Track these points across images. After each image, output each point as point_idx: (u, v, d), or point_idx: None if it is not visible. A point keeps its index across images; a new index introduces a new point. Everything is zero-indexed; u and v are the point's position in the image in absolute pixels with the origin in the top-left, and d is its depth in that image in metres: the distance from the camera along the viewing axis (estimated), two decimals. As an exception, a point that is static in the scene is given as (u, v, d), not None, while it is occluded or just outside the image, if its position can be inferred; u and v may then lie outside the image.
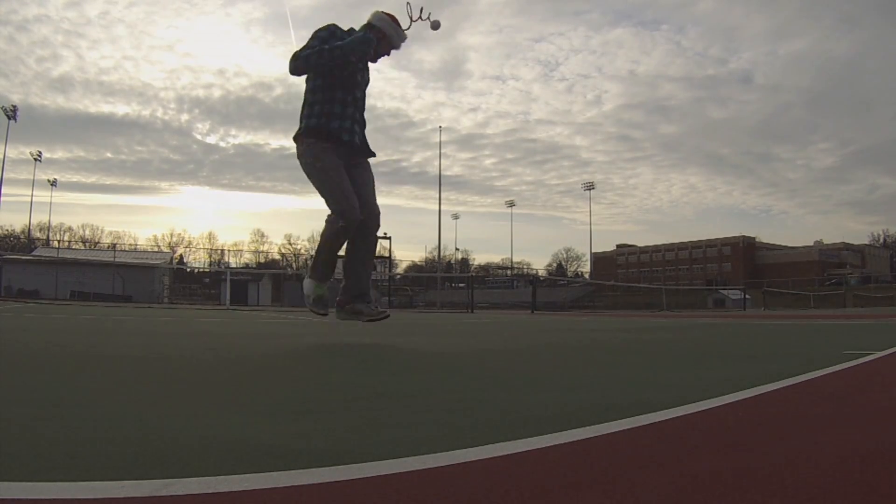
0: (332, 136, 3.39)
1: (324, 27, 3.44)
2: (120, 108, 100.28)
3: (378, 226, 3.59)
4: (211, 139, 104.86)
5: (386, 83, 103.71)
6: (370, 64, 3.68)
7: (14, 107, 42.94)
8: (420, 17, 3.59)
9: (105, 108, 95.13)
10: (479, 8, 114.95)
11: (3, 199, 55.25)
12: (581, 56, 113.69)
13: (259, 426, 1.22)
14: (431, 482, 0.86)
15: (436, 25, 3.62)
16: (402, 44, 3.65)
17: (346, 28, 3.52)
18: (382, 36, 3.52)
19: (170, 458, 0.95)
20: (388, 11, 3.57)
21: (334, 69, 3.40)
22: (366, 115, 3.70)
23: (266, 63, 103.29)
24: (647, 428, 1.24)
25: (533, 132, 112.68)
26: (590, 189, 66.13)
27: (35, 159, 50.13)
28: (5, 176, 41.92)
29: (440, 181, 44.19)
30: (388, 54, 3.65)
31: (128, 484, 0.81)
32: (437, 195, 46.90)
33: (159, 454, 0.97)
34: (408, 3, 3.53)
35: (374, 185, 3.60)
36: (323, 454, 0.99)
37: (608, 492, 0.81)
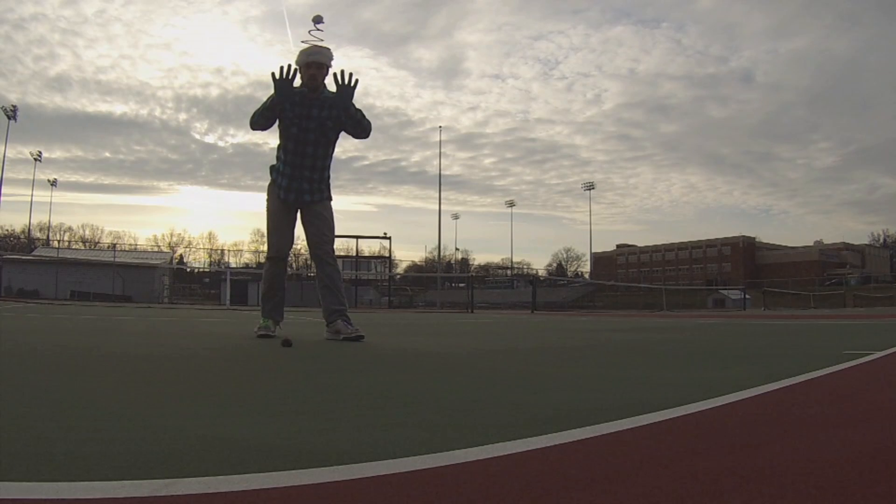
0: (276, 192, 4.01)
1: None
2: (118, 108, 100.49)
3: (327, 254, 3.99)
4: (209, 138, 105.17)
5: (384, 82, 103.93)
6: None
7: (14, 107, 43.01)
8: (313, 30, 3.91)
9: (103, 107, 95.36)
10: (478, 6, 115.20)
11: (3, 199, 55.28)
12: (581, 54, 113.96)
13: (259, 426, 1.22)
14: (431, 482, 0.86)
15: (318, 20, 3.90)
16: (325, 56, 3.89)
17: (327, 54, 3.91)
18: (301, 68, 3.85)
19: (170, 458, 0.95)
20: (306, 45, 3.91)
21: (284, 131, 3.91)
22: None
23: (264, 61, 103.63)
24: (647, 428, 1.24)
25: (532, 131, 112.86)
26: (590, 189, 66.17)
27: (35, 159, 50.19)
28: (5, 176, 41.94)
29: (440, 181, 44.19)
30: (323, 71, 3.88)
31: (128, 484, 0.81)
32: (437, 195, 46.91)
33: (159, 454, 0.97)
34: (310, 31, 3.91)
35: (326, 221, 4.03)
36: (322, 454, 0.99)
37: (608, 492, 0.81)
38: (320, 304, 4.00)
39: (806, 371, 2.24)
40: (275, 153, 4.05)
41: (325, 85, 3.93)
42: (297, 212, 4.03)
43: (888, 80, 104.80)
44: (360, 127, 3.93)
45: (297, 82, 3.85)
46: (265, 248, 4.33)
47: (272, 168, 4.05)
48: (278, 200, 4.00)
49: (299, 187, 3.96)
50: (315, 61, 3.83)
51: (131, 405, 1.45)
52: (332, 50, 3.90)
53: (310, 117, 3.87)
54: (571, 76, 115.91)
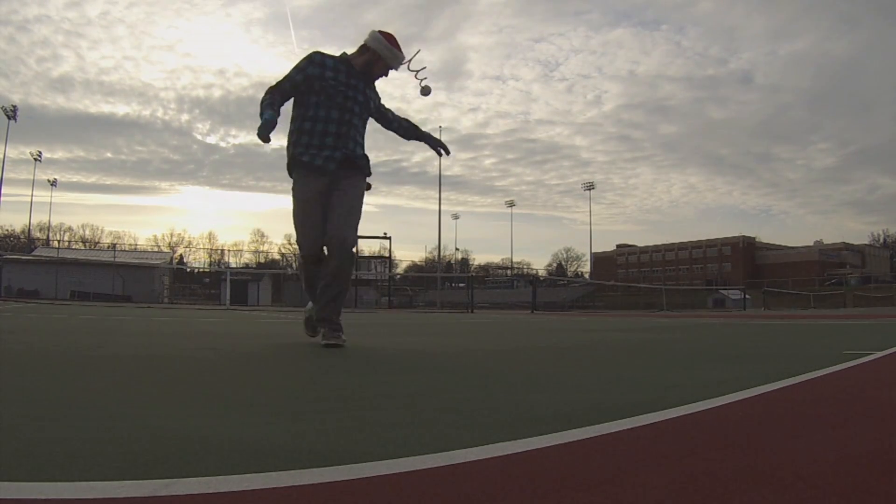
0: (303, 167, 3.43)
1: (305, 57, 3.47)
2: (120, 108, 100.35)
3: (342, 251, 3.38)
4: (211, 139, 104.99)
5: (386, 83, 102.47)
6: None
7: (14, 107, 42.97)
8: (416, 76, 3.63)
9: (105, 108, 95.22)
10: (480, 8, 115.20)
11: (3, 199, 55.30)
12: (581, 56, 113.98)
13: (259, 426, 1.22)
14: (431, 482, 0.86)
15: (426, 91, 3.64)
16: (401, 65, 3.60)
17: (338, 53, 3.54)
18: (377, 57, 3.50)
19: (170, 458, 0.95)
20: (385, 31, 3.54)
21: (311, 94, 3.43)
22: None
23: (266, 63, 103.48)
24: (647, 428, 1.24)
25: (533, 132, 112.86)
26: (590, 189, 66.12)
27: (35, 159, 50.13)
28: (5, 176, 41.96)
29: (440, 181, 44.16)
30: (386, 75, 3.62)
31: (128, 484, 0.81)
32: (437, 195, 46.91)
33: (159, 454, 0.97)
34: (410, 59, 3.57)
35: (350, 207, 3.44)
36: (322, 454, 0.99)
37: (608, 492, 0.81)
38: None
39: (806, 371, 2.24)
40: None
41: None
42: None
43: (887, 82, 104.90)
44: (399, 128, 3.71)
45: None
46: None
47: (289, 145, 3.50)
48: (311, 180, 3.43)
49: (343, 154, 3.45)
50: (396, 68, 3.58)
51: (131, 405, 1.45)
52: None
53: (357, 88, 3.50)
54: (572, 78, 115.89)
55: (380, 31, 3.53)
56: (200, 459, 0.94)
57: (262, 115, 3.29)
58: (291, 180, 3.56)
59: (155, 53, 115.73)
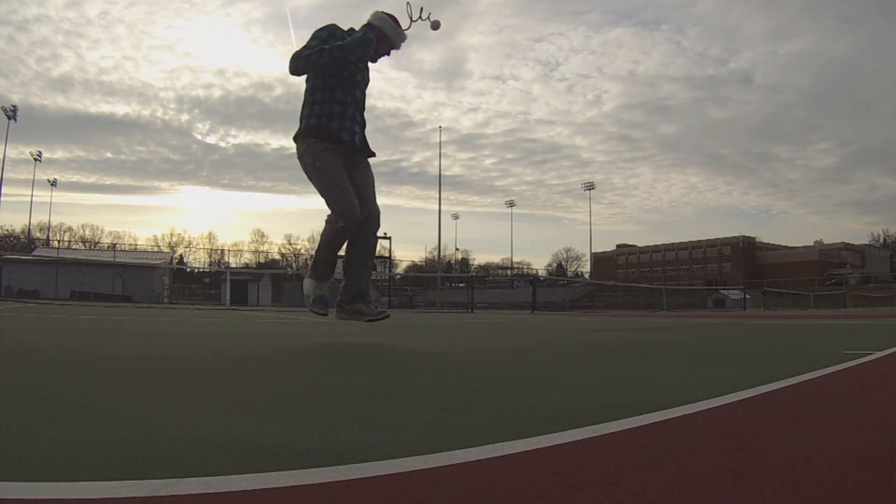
0: (332, 136, 3.40)
1: (323, 27, 3.45)
2: (120, 108, 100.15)
3: (378, 226, 3.62)
4: (211, 139, 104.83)
5: (386, 83, 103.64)
6: (370, 64, 3.70)
7: (14, 107, 42.98)
8: (420, 18, 3.58)
9: (105, 108, 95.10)
10: (480, 8, 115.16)
11: (3, 199, 55.34)
12: (581, 56, 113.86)
13: (259, 426, 1.22)
14: (431, 482, 0.86)
15: (436, 25, 3.58)
16: (403, 44, 3.65)
17: (346, 28, 3.54)
18: (382, 36, 3.53)
19: (170, 458, 0.95)
20: (387, 11, 3.58)
21: (334, 69, 3.41)
22: (366, 114, 3.69)
23: (266, 63, 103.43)
24: (647, 428, 1.24)
25: (533, 132, 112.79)
26: (590, 189, 66.17)
27: (35, 159, 50.15)
28: (5, 176, 41.97)
29: (440, 181, 44.16)
30: (388, 54, 3.65)
31: (128, 484, 0.81)
32: (437, 195, 46.92)
33: (159, 454, 0.97)
34: (408, 3, 3.52)
35: (374, 185, 3.63)
36: (322, 454, 0.99)
37: (608, 492, 0.81)
38: (346, 277, 3.61)
39: (806, 371, 2.24)
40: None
41: None
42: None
43: (888, 81, 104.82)
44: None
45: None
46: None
47: (312, 114, 3.43)
48: (334, 152, 3.40)
49: (360, 132, 3.54)
50: (398, 47, 3.59)
51: (131, 405, 1.45)
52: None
53: (365, 68, 3.60)
54: (572, 77, 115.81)
55: (383, 11, 3.56)
56: (200, 459, 0.94)
57: (343, 47, 3.29)
58: (304, 153, 3.44)
59: (155, 53, 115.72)
